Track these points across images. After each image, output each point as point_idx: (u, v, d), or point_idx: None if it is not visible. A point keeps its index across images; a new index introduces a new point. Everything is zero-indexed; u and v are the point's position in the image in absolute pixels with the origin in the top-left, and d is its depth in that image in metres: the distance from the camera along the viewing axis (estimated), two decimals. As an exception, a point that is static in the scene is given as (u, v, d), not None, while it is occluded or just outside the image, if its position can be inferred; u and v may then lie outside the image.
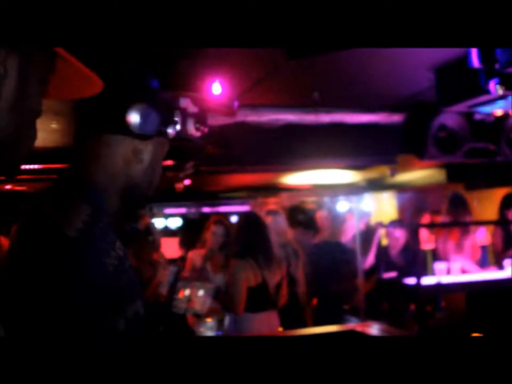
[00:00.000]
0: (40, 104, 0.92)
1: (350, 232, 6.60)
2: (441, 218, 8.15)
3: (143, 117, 1.45)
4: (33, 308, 1.17)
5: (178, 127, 1.61)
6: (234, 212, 10.26)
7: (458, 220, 6.19)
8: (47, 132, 4.63)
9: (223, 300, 4.42)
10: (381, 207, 9.03)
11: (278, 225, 6.00)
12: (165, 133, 1.55)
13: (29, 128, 0.89)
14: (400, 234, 6.66)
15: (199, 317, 4.26)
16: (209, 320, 4.42)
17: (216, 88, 3.90)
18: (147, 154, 1.57)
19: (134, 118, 1.45)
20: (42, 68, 0.88)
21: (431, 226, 8.09)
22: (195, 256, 5.78)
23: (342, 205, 7.89)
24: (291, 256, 5.92)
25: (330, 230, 6.55)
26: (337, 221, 6.65)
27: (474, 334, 3.81)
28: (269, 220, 6.07)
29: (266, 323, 4.51)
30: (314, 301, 6.39)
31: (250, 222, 4.86)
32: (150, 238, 5.53)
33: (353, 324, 4.18)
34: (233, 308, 4.36)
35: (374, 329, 2.67)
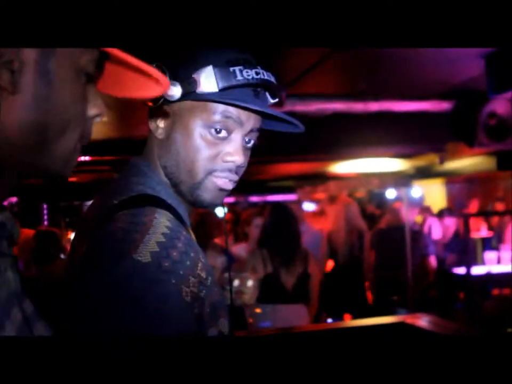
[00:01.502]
0: (78, 105, 0.85)
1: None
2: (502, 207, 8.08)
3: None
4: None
5: (208, 87, 1.27)
6: (281, 201, 10.28)
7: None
8: (98, 124, 4.70)
9: None
10: (430, 196, 8.95)
11: (350, 214, 6.09)
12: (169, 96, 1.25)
13: (63, 129, 0.81)
14: (450, 223, 6.60)
15: (249, 307, 4.29)
16: (258, 310, 4.44)
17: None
18: (167, 128, 1.33)
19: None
20: (80, 66, 0.82)
21: (480, 215, 8.00)
22: (239, 249, 5.82)
23: (391, 194, 7.85)
24: (354, 242, 5.98)
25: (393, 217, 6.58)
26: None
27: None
28: (341, 208, 6.13)
29: (288, 316, 4.45)
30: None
31: (274, 213, 4.82)
32: (200, 230, 5.57)
33: (402, 316, 4.16)
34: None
35: (424, 321, 2.64)
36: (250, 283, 4.31)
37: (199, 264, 1.18)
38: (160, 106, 1.30)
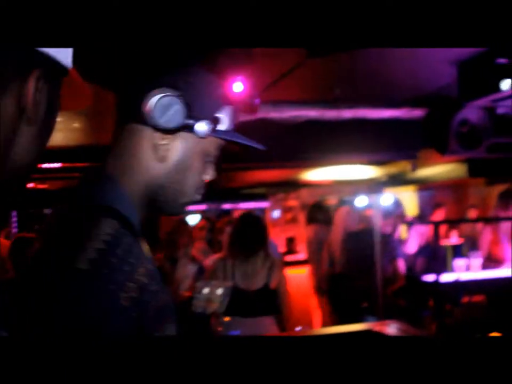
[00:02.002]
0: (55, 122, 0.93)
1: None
2: (476, 213, 8.16)
3: (162, 107, 1.26)
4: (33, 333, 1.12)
5: (223, 125, 1.40)
6: (254, 208, 10.28)
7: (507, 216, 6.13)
8: (69, 131, 4.66)
9: None
10: (402, 203, 9.01)
11: (348, 224, 6.15)
12: (192, 129, 1.31)
13: (44, 147, 0.91)
14: (421, 231, 6.64)
15: (218, 316, 4.27)
16: (227, 319, 4.41)
17: (238, 85, 3.90)
18: (172, 152, 1.36)
19: (151, 106, 1.26)
20: (59, 89, 0.91)
21: (451, 222, 8.07)
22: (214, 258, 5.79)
23: (362, 201, 7.88)
24: None
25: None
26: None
27: (493, 333, 3.77)
28: (341, 217, 6.17)
29: (255, 330, 4.35)
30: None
31: (240, 222, 4.74)
32: (171, 236, 5.54)
33: (370, 323, 4.16)
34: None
35: (391, 328, 2.64)
36: (220, 291, 4.26)
37: (141, 270, 1.20)
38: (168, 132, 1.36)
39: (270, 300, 4.46)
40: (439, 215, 7.93)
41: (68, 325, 1.10)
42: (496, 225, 6.13)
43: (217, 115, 1.38)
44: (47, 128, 0.88)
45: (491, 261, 6.09)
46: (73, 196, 1.35)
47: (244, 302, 4.41)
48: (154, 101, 1.25)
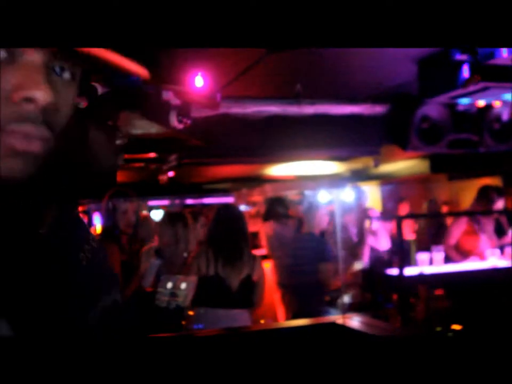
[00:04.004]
0: None
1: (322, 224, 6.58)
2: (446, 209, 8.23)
3: None
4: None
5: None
6: (218, 203, 10.25)
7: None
8: None
9: None
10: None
11: None
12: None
13: None
14: (385, 226, 6.67)
15: (182, 310, 4.25)
16: (191, 313, 4.40)
17: (199, 80, 3.88)
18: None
19: None
20: None
21: (413, 217, 8.14)
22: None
23: (323, 196, 7.88)
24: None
25: (306, 222, 6.56)
26: (311, 213, 6.64)
27: (454, 326, 3.81)
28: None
29: (229, 321, 4.35)
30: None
31: (222, 214, 4.71)
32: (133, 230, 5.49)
33: (334, 316, 4.17)
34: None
35: (355, 321, 2.65)
36: (184, 285, 4.25)
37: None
38: None
39: (250, 292, 4.48)
40: (403, 209, 8.01)
41: (36, 284, 1.10)
42: (473, 219, 6.18)
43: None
44: None
45: (458, 252, 6.14)
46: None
47: (226, 293, 4.42)
48: None
